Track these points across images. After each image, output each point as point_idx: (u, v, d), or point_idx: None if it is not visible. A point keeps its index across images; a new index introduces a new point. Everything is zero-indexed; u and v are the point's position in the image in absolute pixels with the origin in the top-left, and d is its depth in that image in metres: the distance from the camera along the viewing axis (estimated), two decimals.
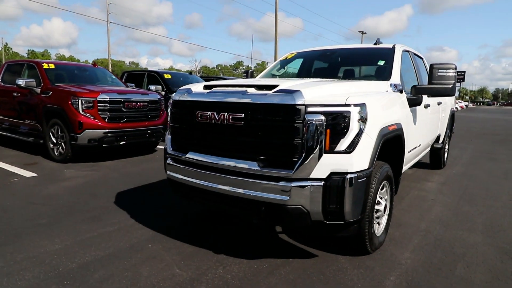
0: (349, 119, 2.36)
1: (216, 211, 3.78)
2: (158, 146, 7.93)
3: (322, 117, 2.32)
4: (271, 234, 3.34)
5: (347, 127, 2.36)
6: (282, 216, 2.46)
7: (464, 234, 3.39)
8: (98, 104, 6.08)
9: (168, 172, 3.08)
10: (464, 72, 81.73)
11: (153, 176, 5.41)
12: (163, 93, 8.42)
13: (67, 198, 4.32)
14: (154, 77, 9.42)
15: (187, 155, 2.88)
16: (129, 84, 8.21)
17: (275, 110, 2.41)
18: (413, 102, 3.50)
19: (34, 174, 5.42)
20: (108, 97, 6.18)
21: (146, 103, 6.82)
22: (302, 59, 4.55)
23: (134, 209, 3.95)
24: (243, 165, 2.54)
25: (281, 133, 2.40)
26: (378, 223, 2.98)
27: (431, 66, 3.41)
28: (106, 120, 6.18)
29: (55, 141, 6.38)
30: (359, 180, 2.39)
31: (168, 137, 3.15)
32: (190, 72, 11.47)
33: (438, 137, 5.68)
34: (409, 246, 3.10)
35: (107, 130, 6.15)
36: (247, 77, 4.75)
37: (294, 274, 2.62)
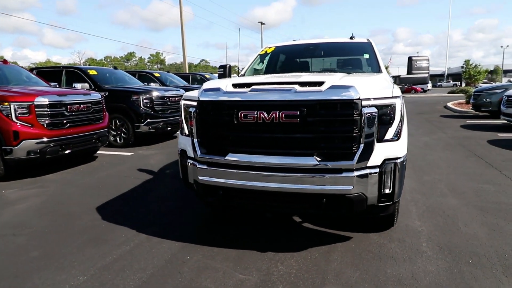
0: (395, 110, 2.63)
1: (257, 210, 3.72)
2: (98, 152, 7.15)
3: (375, 109, 2.53)
4: (289, 224, 3.48)
5: (393, 117, 2.63)
6: (344, 204, 2.62)
7: (442, 199, 4.06)
8: (36, 109, 5.17)
9: (200, 177, 2.91)
10: None
11: (119, 185, 4.93)
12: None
13: (38, 223, 3.66)
14: (76, 74, 8.34)
15: (228, 157, 2.78)
16: (51, 84, 7.12)
17: (333, 105, 2.52)
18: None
19: None
20: (47, 100, 5.29)
21: (90, 105, 6.05)
22: (282, 53, 4.67)
23: (132, 222, 3.59)
24: (300, 161, 2.59)
25: (340, 126, 2.53)
26: None
27: (410, 58, 3.92)
28: (47, 127, 5.30)
29: None
30: (404, 164, 2.69)
31: (194, 140, 2.96)
32: (115, 67, 10.43)
33: None
34: (413, 216, 3.59)
35: (49, 139, 5.29)
36: (224, 72, 4.66)
37: (347, 256, 2.82)
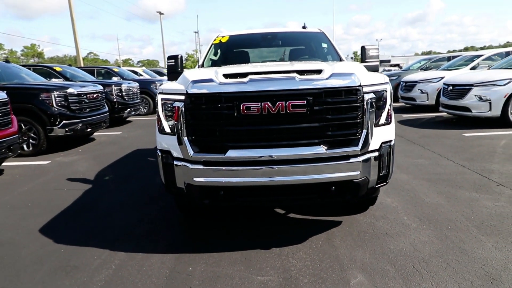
0: (386, 95, 2.76)
1: (256, 206, 3.52)
2: (4, 163, 5.90)
3: (373, 95, 2.62)
4: (275, 218, 3.43)
5: (386, 102, 2.76)
6: (350, 190, 2.66)
7: (395, 176, 4.48)
8: None
9: (196, 179, 2.62)
10: None
11: (54, 200, 4.18)
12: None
13: None
14: None
15: (229, 154, 2.56)
16: None
17: (338, 93, 2.52)
18: None
19: None
20: None
21: None
22: (238, 43, 4.47)
23: (98, 241, 3.08)
24: (308, 151, 2.54)
25: (345, 113, 2.55)
26: None
27: (363, 47, 4.17)
28: None
29: None
30: (394, 146, 2.87)
31: (184, 139, 2.63)
32: (7, 60, 8.67)
33: None
34: (381, 194, 3.86)
35: None
36: (175, 63, 4.23)
37: (348, 239, 2.90)
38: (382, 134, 2.72)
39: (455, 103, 7.90)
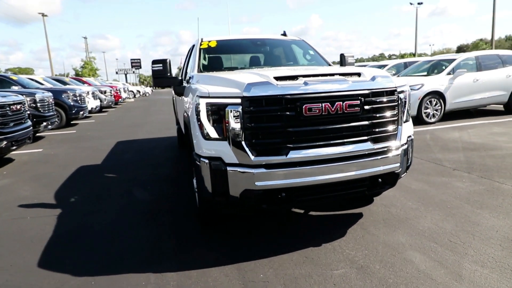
0: (407, 95, 3.15)
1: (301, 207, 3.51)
2: None
3: (403, 95, 2.98)
4: (300, 217, 3.54)
5: (407, 101, 3.14)
6: (391, 181, 2.95)
7: None
8: None
9: (258, 183, 2.56)
10: (140, 59, 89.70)
11: (23, 231, 3.49)
12: None
13: None
14: None
15: (291, 155, 2.58)
16: None
17: (381, 94, 2.79)
18: None
19: None
20: None
21: None
22: (227, 48, 4.38)
23: (145, 264, 2.73)
24: (359, 148, 2.73)
25: (387, 112, 2.82)
26: None
27: (342, 55, 4.58)
28: None
29: None
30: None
31: (242, 143, 2.55)
32: None
33: None
34: None
35: None
36: (164, 67, 3.97)
37: (379, 227, 3.18)
38: (407, 130, 3.09)
39: None
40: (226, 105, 2.59)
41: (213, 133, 2.69)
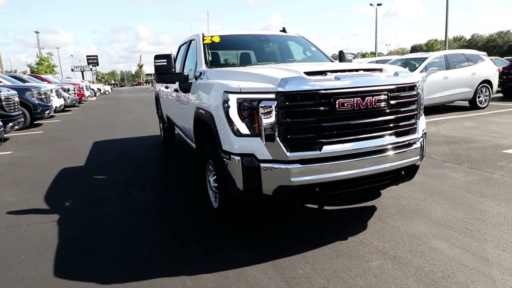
0: (422, 91, 3.27)
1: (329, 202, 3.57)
2: None
3: (420, 91, 3.09)
4: (314, 214, 3.57)
5: (422, 96, 3.27)
6: (412, 172, 3.06)
7: None
8: None
9: (294, 179, 2.54)
10: (97, 56, 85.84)
11: (23, 241, 3.24)
12: None
13: None
14: None
15: (324, 150, 2.59)
16: None
17: (404, 88, 2.87)
18: None
19: None
20: None
21: None
22: (232, 43, 4.28)
23: (176, 269, 2.62)
24: (385, 141, 2.80)
25: (409, 106, 2.92)
26: None
27: (341, 52, 4.66)
28: None
29: None
30: None
31: (277, 139, 2.52)
32: None
33: None
34: None
35: None
36: (168, 62, 3.83)
37: (397, 219, 3.28)
38: (422, 123, 3.21)
39: None
40: (260, 100, 2.54)
41: (244, 129, 2.63)
